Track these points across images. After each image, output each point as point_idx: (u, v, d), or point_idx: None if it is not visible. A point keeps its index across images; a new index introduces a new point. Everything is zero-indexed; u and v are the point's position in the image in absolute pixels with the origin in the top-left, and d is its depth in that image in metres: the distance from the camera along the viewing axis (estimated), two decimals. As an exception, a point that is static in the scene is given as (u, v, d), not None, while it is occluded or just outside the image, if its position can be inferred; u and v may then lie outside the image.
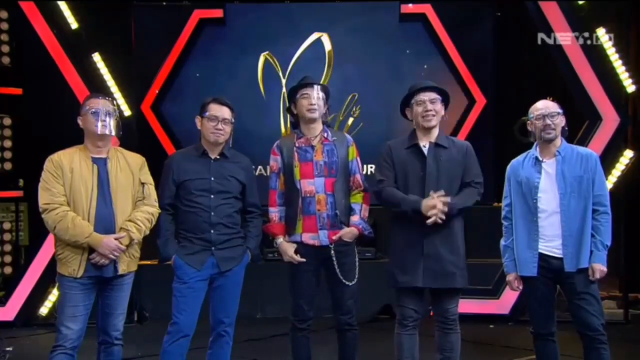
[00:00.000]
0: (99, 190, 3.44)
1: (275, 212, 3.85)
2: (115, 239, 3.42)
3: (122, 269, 3.48)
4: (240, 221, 3.79)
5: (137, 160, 3.64)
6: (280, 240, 3.81)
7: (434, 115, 3.60)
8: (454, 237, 3.58)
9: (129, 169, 3.55)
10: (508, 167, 3.79)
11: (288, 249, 3.76)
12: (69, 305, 3.40)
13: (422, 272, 3.52)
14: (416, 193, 3.55)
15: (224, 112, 3.70)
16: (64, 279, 3.42)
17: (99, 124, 3.44)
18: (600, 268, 3.50)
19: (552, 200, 3.56)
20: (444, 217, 3.46)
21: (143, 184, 3.60)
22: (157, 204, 3.65)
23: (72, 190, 3.40)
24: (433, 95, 3.62)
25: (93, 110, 3.46)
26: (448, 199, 3.46)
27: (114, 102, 3.63)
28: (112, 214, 3.45)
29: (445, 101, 3.69)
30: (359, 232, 3.77)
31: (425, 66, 7.31)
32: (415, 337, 3.62)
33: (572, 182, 3.54)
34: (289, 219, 3.82)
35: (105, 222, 3.43)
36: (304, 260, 3.74)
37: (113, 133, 3.51)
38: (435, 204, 3.43)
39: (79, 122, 3.53)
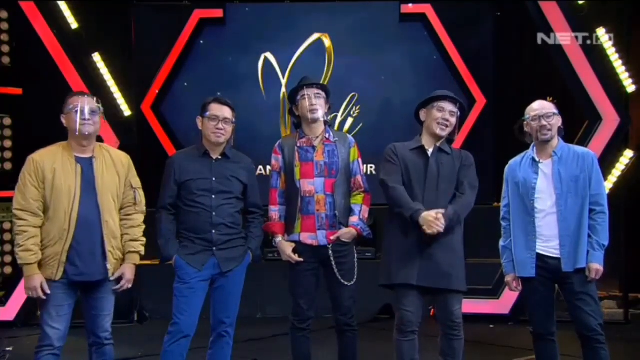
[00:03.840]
0: (82, 191, 3.37)
1: (275, 211, 3.86)
2: (116, 288, 3.46)
3: (110, 272, 3.44)
4: (241, 221, 3.78)
5: (122, 159, 3.58)
6: (279, 239, 3.81)
7: (447, 126, 3.61)
8: (451, 238, 3.56)
9: (114, 168, 3.50)
10: (506, 167, 3.79)
11: (286, 248, 3.77)
12: (53, 306, 3.36)
13: (418, 270, 3.50)
14: (417, 192, 3.55)
15: (225, 111, 3.69)
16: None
17: (84, 122, 3.38)
18: (596, 268, 3.49)
19: (549, 201, 3.56)
20: (442, 230, 3.43)
21: (134, 189, 3.57)
22: (145, 210, 3.63)
23: (54, 191, 3.34)
24: (454, 108, 3.62)
25: (77, 109, 3.39)
26: (447, 210, 3.44)
27: (97, 98, 3.53)
28: (98, 215, 3.40)
29: (461, 118, 3.70)
30: (357, 233, 3.78)
31: (425, 66, 7.32)
32: (414, 342, 3.58)
33: (569, 182, 3.54)
34: (289, 218, 3.82)
35: (88, 224, 3.37)
36: (301, 260, 3.75)
37: (98, 131, 3.46)
38: (433, 220, 3.39)
39: (63, 120, 3.46)
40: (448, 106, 3.61)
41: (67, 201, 3.34)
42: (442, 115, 3.59)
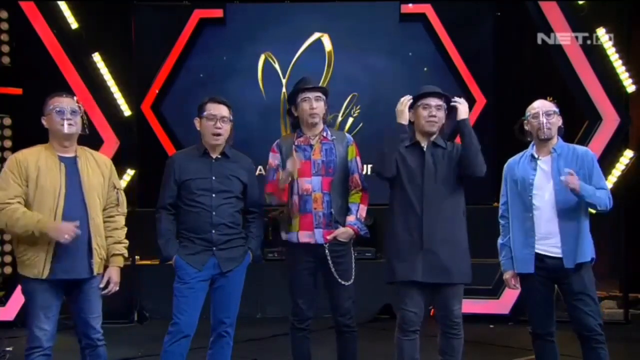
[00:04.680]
0: (67, 189, 3.35)
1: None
2: (104, 289, 3.46)
3: (95, 271, 3.43)
4: (241, 221, 3.78)
5: (105, 161, 3.58)
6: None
7: (436, 122, 3.61)
8: (454, 232, 3.57)
9: (99, 170, 3.50)
10: (505, 166, 3.79)
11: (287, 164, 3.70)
12: (41, 307, 3.32)
13: (422, 266, 3.51)
14: (416, 186, 3.55)
15: (222, 110, 3.68)
16: (30, 282, 3.32)
17: (65, 123, 3.36)
18: (576, 181, 3.39)
19: (548, 197, 3.55)
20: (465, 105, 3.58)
21: (117, 189, 3.57)
22: (126, 211, 3.64)
23: (39, 188, 3.30)
24: (439, 102, 3.62)
25: (58, 109, 3.37)
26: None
27: (76, 98, 3.51)
28: (85, 212, 3.38)
29: (448, 109, 3.68)
30: (354, 232, 3.78)
31: (425, 67, 7.32)
32: (415, 342, 3.59)
33: None
34: (287, 217, 3.81)
35: (74, 222, 3.31)
36: (301, 161, 3.69)
37: (79, 131, 3.45)
38: (404, 105, 3.55)
39: (44, 122, 3.43)
40: (432, 101, 3.61)
41: (52, 199, 3.31)
42: (429, 112, 3.60)
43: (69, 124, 3.37)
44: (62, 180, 3.36)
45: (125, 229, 3.61)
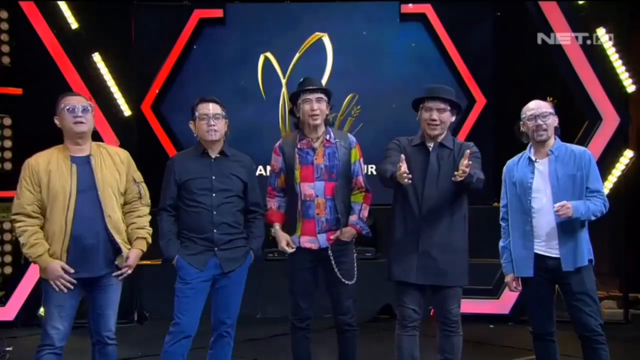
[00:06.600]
0: (79, 190, 3.37)
1: (273, 201, 3.88)
2: (118, 274, 3.45)
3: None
4: (242, 221, 3.79)
5: (121, 155, 3.60)
6: (277, 227, 3.81)
7: (438, 125, 3.58)
8: (452, 234, 3.57)
9: (114, 166, 3.52)
10: (504, 168, 3.79)
11: (281, 239, 3.77)
12: (55, 305, 3.37)
13: (416, 268, 3.52)
14: (417, 188, 3.55)
15: (213, 108, 3.69)
16: (48, 282, 3.38)
17: (76, 120, 3.39)
18: (569, 206, 3.39)
19: (546, 200, 3.55)
20: (463, 176, 3.29)
21: (137, 183, 3.59)
22: (149, 203, 3.66)
23: (50, 192, 3.35)
24: (442, 105, 3.59)
25: (69, 107, 3.41)
26: (470, 162, 3.31)
27: (88, 97, 3.56)
28: (100, 211, 3.40)
29: (456, 109, 3.66)
30: (356, 232, 3.78)
31: (425, 67, 7.31)
32: (415, 338, 3.61)
33: (566, 180, 3.53)
34: (289, 222, 3.81)
35: (88, 221, 3.36)
36: (294, 248, 3.74)
37: (92, 128, 3.48)
38: (404, 171, 3.29)
39: (56, 121, 3.48)
40: (435, 104, 3.58)
41: (63, 201, 3.35)
42: (430, 115, 3.58)
43: (81, 122, 3.41)
44: (72, 181, 3.38)
45: (149, 217, 3.62)
